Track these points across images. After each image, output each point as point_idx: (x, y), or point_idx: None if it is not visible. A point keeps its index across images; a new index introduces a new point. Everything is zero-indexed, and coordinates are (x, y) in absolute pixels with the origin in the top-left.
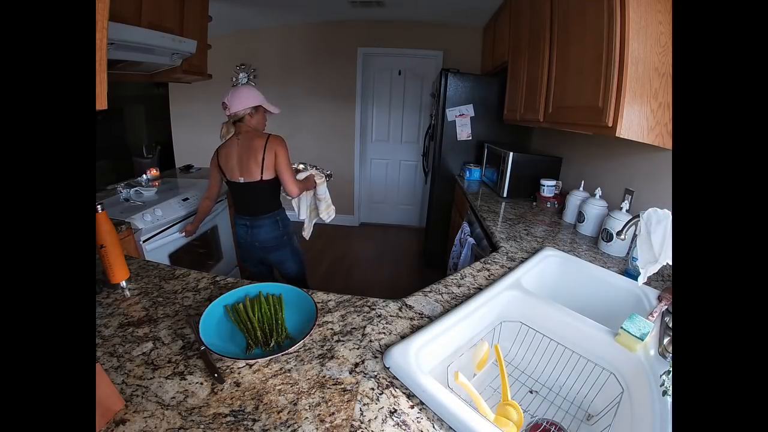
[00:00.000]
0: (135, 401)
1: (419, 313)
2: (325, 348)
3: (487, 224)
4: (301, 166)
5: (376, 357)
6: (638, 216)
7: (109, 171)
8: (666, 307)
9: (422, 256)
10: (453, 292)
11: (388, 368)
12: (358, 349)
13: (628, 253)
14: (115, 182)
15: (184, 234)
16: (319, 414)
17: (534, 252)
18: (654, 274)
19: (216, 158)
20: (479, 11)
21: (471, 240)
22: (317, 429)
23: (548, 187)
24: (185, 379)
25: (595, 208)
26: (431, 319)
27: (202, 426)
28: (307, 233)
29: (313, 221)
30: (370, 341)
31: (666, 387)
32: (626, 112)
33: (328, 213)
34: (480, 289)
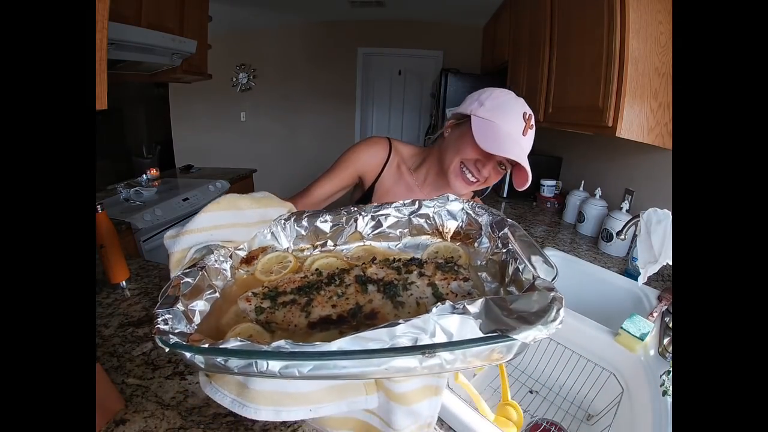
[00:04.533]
0: (135, 401)
1: None
2: None
3: None
4: None
5: None
6: (638, 216)
7: (109, 171)
8: (666, 307)
9: None
10: None
11: None
12: None
13: (628, 253)
14: (115, 182)
15: None
16: None
17: None
18: (654, 274)
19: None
20: (479, 11)
21: None
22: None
23: (548, 187)
24: (185, 379)
25: (595, 208)
26: None
27: (202, 426)
28: None
29: None
30: None
31: (666, 387)
32: (626, 112)
33: None
34: None
